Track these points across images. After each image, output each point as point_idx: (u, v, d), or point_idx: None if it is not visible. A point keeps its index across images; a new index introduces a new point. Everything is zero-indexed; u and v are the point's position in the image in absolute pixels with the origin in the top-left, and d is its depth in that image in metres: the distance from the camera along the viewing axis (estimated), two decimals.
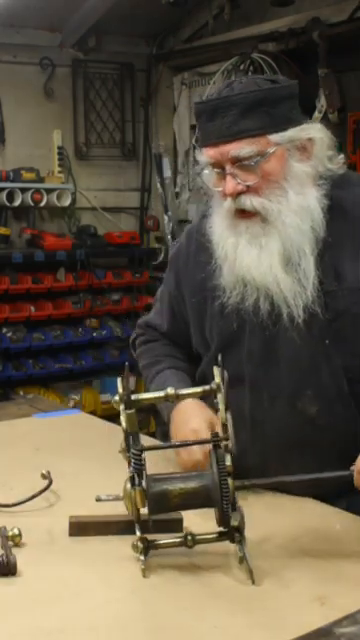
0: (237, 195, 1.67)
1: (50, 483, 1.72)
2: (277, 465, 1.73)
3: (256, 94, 1.64)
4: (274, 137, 1.65)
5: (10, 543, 1.46)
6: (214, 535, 1.47)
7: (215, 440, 1.46)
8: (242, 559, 1.41)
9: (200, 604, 1.30)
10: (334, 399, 1.71)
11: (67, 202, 5.04)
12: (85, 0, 4.62)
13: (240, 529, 1.43)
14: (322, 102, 4.00)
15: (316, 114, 4.03)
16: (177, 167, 5.38)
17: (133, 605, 1.29)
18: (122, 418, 1.48)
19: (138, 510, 1.44)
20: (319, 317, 1.68)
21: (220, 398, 1.47)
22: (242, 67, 4.38)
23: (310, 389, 1.71)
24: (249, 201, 1.67)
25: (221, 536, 1.46)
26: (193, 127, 5.02)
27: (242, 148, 1.64)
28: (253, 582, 1.36)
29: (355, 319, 1.68)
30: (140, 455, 1.46)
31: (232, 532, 1.44)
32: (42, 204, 4.90)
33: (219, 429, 1.51)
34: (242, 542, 1.43)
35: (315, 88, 4.08)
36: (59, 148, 5.16)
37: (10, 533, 1.47)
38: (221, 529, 1.45)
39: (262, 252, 1.68)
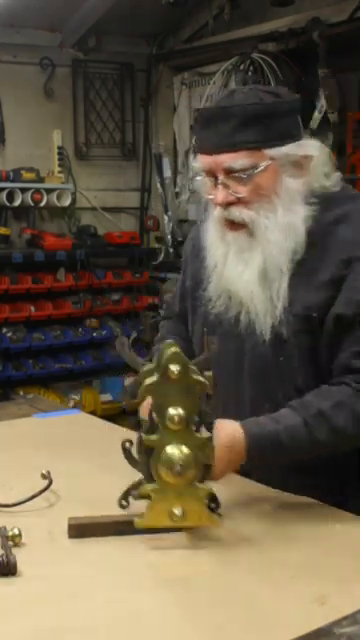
0: (227, 205, 1.67)
1: (50, 483, 1.72)
2: (250, 475, 1.79)
3: (256, 107, 1.63)
4: (270, 151, 1.64)
5: (10, 543, 1.46)
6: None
7: None
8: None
9: (200, 604, 1.30)
10: None
11: (67, 202, 5.04)
12: (85, 0, 4.62)
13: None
14: (322, 102, 4.00)
15: (316, 114, 4.03)
16: (177, 167, 5.38)
17: (133, 605, 1.29)
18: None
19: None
20: (278, 336, 1.69)
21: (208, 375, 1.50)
22: (242, 67, 4.38)
23: (268, 404, 1.72)
24: (238, 213, 1.67)
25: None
26: (193, 127, 5.03)
27: (236, 160, 1.63)
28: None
29: (299, 345, 1.69)
30: None
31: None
32: (42, 204, 4.91)
33: None
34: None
35: (315, 88, 4.08)
36: (59, 148, 5.16)
37: (10, 533, 1.47)
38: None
39: (246, 268, 1.70)
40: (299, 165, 1.68)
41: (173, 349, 1.47)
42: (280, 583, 1.36)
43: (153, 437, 1.49)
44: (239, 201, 1.67)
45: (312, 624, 1.22)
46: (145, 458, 1.51)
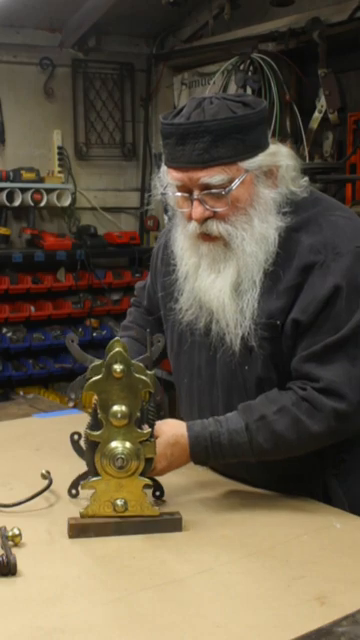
0: (203, 221, 1.66)
1: (50, 483, 1.72)
2: (234, 474, 1.82)
3: (229, 121, 1.60)
4: (244, 164, 1.63)
5: (10, 543, 1.46)
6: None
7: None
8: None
9: (200, 604, 1.30)
10: None
11: (67, 202, 5.04)
12: (85, 0, 4.62)
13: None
14: (322, 102, 3.99)
15: (316, 114, 4.03)
16: None
17: (133, 605, 1.29)
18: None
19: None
20: (245, 346, 1.70)
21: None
22: (242, 67, 4.38)
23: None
24: (215, 226, 1.66)
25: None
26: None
27: (213, 176, 1.62)
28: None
29: (263, 353, 1.69)
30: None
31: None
32: (42, 204, 4.90)
33: None
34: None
35: (315, 88, 4.08)
36: (59, 148, 5.16)
37: (10, 533, 1.47)
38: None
39: (218, 277, 1.70)
40: (270, 173, 1.68)
41: (118, 348, 1.55)
42: (280, 583, 1.36)
43: (96, 433, 1.56)
44: (215, 215, 1.65)
45: (312, 624, 1.22)
46: (90, 452, 1.58)
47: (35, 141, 5.12)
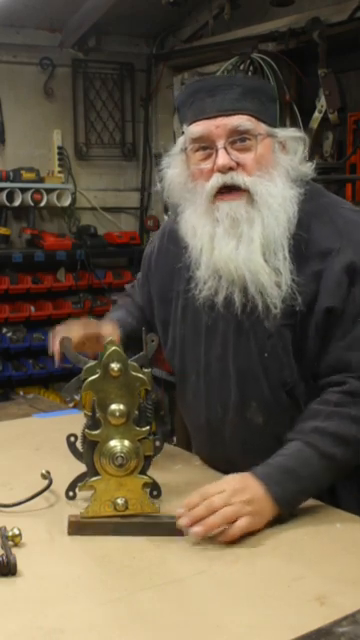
0: (227, 170, 1.65)
1: (50, 483, 1.72)
2: (239, 470, 1.76)
3: (255, 82, 1.73)
4: (266, 127, 1.68)
5: (10, 543, 1.46)
6: None
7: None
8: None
9: (200, 603, 1.30)
10: (276, 411, 1.72)
11: (67, 202, 5.05)
12: (85, 0, 4.62)
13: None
14: (322, 102, 3.99)
15: (316, 114, 4.03)
16: None
17: (133, 605, 1.29)
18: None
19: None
20: (263, 332, 1.67)
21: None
22: (242, 67, 4.38)
23: (254, 401, 1.73)
24: (240, 178, 1.65)
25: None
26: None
27: (243, 122, 1.65)
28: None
29: (283, 340, 1.67)
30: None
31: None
32: (42, 204, 4.91)
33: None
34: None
35: (315, 88, 4.08)
36: (59, 148, 5.16)
37: (10, 533, 1.47)
38: None
39: (241, 242, 1.66)
40: (283, 147, 1.71)
41: (113, 347, 1.55)
42: (280, 583, 1.36)
43: (95, 432, 1.56)
44: (239, 167, 1.65)
45: (312, 624, 1.22)
46: (89, 452, 1.57)
47: (35, 141, 5.12)
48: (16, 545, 1.47)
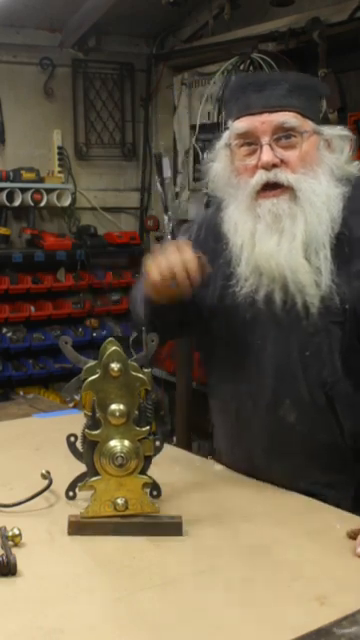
0: (271, 167, 1.65)
1: (50, 483, 1.72)
2: (263, 466, 1.76)
3: (303, 78, 1.72)
4: (312, 124, 1.68)
5: (10, 543, 1.46)
6: None
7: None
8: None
9: (200, 603, 1.30)
10: (311, 410, 1.71)
11: (67, 202, 5.04)
12: (85, 0, 4.62)
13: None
14: (322, 102, 3.99)
15: None
16: (177, 167, 5.37)
17: (133, 605, 1.29)
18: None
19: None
20: (306, 328, 1.66)
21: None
22: (242, 67, 4.38)
23: (288, 399, 1.72)
24: (284, 175, 1.65)
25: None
26: (193, 127, 5.02)
27: (289, 118, 1.65)
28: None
29: (329, 338, 1.67)
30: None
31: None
32: (42, 204, 4.91)
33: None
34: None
35: None
36: (59, 148, 5.16)
37: (10, 533, 1.47)
38: None
39: (282, 238, 1.65)
40: (329, 145, 1.70)
41: (113, 347, 1.56)
42: (280, 583, 1.36)
43: (95, 432, 1.56)
44: (283, 164, 1.65)
45: (312, 624, 1.22)
46: (89, 452, 1.57)
47: (35, 141, 5.12)
48: (16, 545, 1.47)
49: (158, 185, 5.43)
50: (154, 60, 5.45)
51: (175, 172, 5.37)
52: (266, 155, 1.64)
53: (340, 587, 1.34)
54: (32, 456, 2.01)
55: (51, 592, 1.33)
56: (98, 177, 5.46)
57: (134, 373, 1.55)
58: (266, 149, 1.64)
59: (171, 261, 1.61)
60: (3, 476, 1.85)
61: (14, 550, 1.43)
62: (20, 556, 1.40)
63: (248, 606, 1.29)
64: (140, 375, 1.55)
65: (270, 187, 1.66)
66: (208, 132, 4.86)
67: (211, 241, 1.81)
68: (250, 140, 1.67)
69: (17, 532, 1.48)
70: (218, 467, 1.94)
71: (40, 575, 1.39)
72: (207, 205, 5.01)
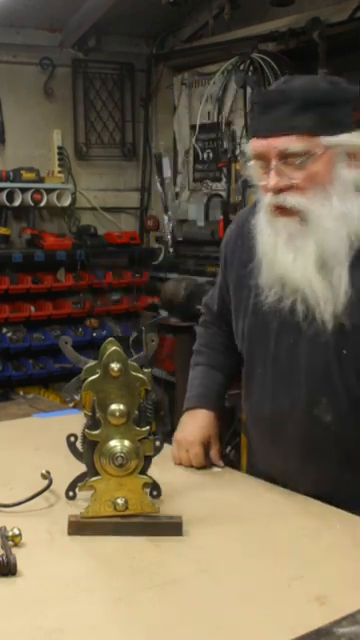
0: (279, 191, 1.64)
1: (50, 483, 1.72)
2: (297, 468, 1.76)
3: (313, 93, 1.63)
4: (325, 139, 1.62)
5: (10, 543, 1.46)
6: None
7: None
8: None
9: (200, 603, 1.30)
10: (347, 410, 1.71)
11: (67, 202, 5.04)
12: (85, 0, 4.62)
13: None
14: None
15: None
16: (177, 167, 5.38)
17: (133, 605, 1.29)
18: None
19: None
20: (342, 326, 1.66)
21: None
22: (242, 67, 4.38)
23: (325, 398, 1.71)
24: (290, 199, 1.64)
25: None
26: (193, 127, 5.03)
27: (291, 143, 1.61)
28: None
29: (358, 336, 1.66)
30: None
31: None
32: (42, 204, 4.91)
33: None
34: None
35: None
36: (59, 148, 5.16)
37: (10, 533, 1.47)
38: None
39: (297, 255, 1.66)
40: (353, 156, 1.66)
41: (113, 347, 1.56)
42: (280, 583, 1.36)
43: (95, 432, 1.56)
44: (292, 188, 1.64)
45: (312, 624, 1.22)
46: (89, 452, 1.57)
47: (35, 141, 5.12)
48: (16, 545, 1.47)
49: (158, 185, 5.44)
50: (154, 60, 5.45)
51: (175, 172, 5.37)
52: (271, 182, 1.64)
53: (340, 587, 1.34)
54: (32, 456, 2.01)
55: (51, 592, 1.33)
56: (98, 177, 5.46)
57: (134, 373, 1.55)
58: (272, 174, 1.64)
59: (183, 459, 1.95)
60: (3, 476, 1.85)
61: (14, 550, 1.43)
62: (20, 556, 1.40)
63: (248, 606, 1.29)
64: (140, 375, 1.56)
65: (280, 209, 1.67)
66: (208, 132, 4.87)
67: (248, 239, 1.81)
68: (262, 161, 1.67)
69: (17, 532, 1.48)
70: (218, 468, 1.94)
71: (40, 575, 1.39)
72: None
